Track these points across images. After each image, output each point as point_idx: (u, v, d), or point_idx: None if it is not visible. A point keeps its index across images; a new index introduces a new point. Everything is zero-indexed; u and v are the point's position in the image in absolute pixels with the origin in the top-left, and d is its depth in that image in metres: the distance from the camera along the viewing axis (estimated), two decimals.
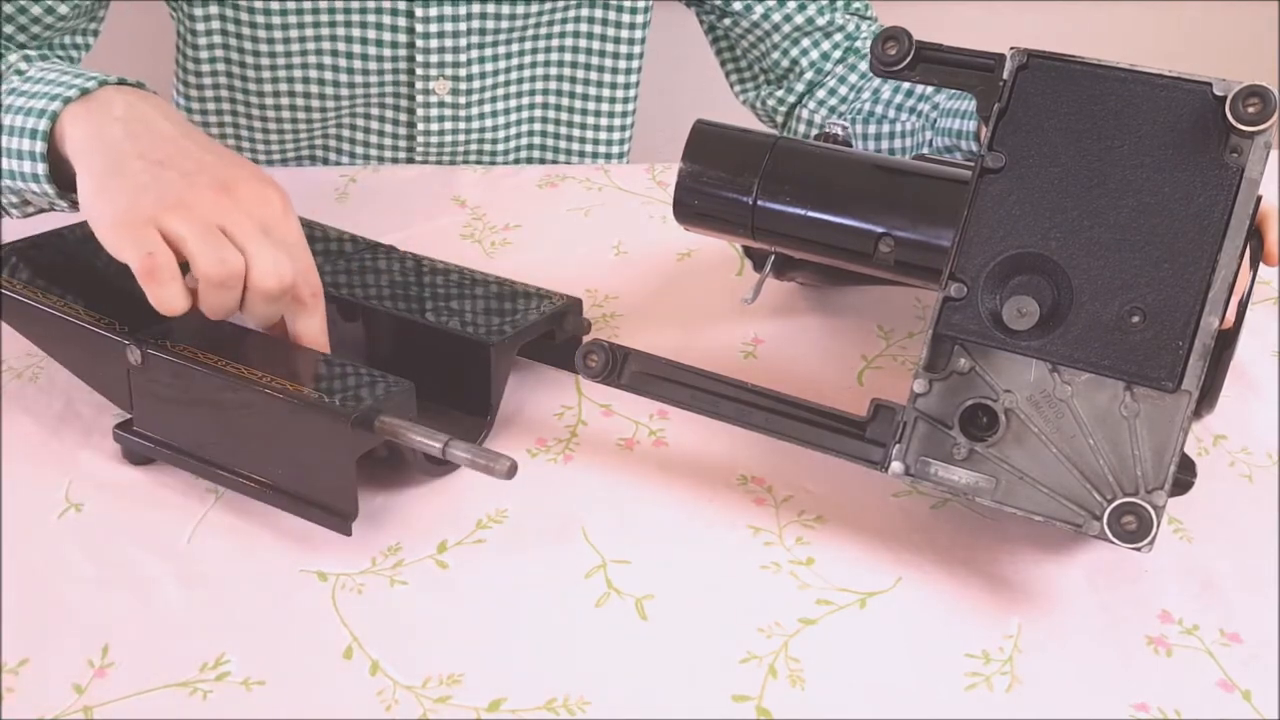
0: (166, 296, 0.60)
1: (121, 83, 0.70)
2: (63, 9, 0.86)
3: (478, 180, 0.97)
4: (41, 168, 0.68)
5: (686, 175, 0.67)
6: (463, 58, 1.01)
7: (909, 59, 0.59)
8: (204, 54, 1.00)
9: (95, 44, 0.93)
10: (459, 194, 0.94)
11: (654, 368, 0.63)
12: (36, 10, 0.85)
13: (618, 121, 1.09)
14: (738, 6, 1.03)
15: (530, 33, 1.03)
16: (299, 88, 1.01)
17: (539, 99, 1.07)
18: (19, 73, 0.72)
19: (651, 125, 1.26)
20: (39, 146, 0.67)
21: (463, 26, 0.99)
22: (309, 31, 0.98)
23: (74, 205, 0.68)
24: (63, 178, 0.68)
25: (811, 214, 0.64)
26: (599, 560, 0.60)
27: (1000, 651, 0.55)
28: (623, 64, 1.06)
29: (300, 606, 0.57)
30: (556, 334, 0.70)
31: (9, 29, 0.85)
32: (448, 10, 0.98)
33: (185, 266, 0.61)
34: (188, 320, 0.64)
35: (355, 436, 0.58)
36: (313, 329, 0.65)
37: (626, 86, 1.07)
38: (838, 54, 1.03)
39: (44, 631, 0.55)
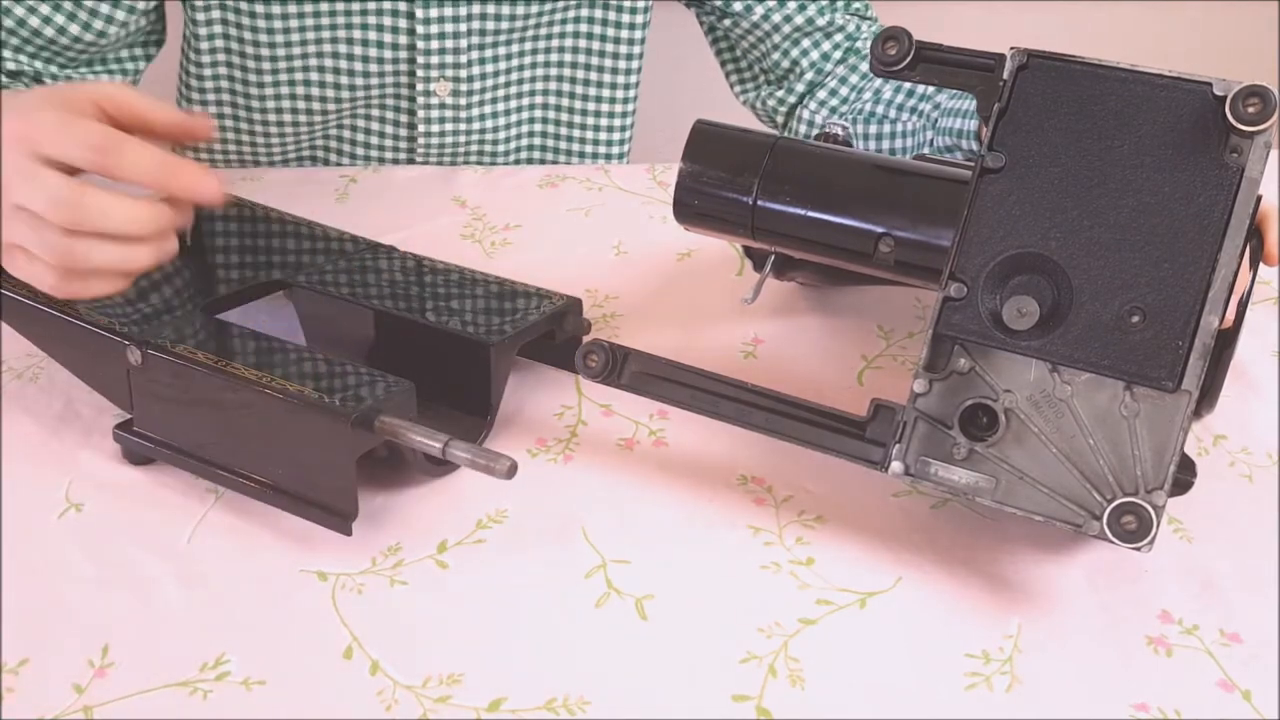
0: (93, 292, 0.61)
1: None
2: (74, 29, 0.87)
3: (478, 180, 0.97)
4: None
5: (686, 175, 0.67)
6: (463, 59, 1.01)
7: (909, 59, 0.59)
8: (205, 56, 1.00)
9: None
10: (459, 194, 0.94)
11: (654, 368, 0.63)
12: (44, 29, 0.86)
13: (618, 121, 1.09)
14: (738, 7, 1.03)
15: (530, 33, 1.03)
16: (300, 90, 1.01)
17: (539, 99, 1.07)
18: None
19: (651, 125, 1.26)
20: None
21: (463, 27, 0.99)
22: (309, 35, 0.98)
23: None
24: None
25: (811, 214, 0.64)
26: (599, 560, 0.60)
27: (1000, 651, 0.55)
28: (623, 64, 1.06)
29: (300, 606, 0.57)
30: (556, 334, 0.70)
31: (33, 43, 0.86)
32: (448, 11, 0.98)
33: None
34: (187, 320, 0.64)
35: (355, 436, 0.58)
36: (202, 191, 0.61)
37: (626, 87, 1.07)
38: (838, 54, 1.03)
39: (44, 631, 0.55)
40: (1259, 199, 0.59)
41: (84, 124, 0.60)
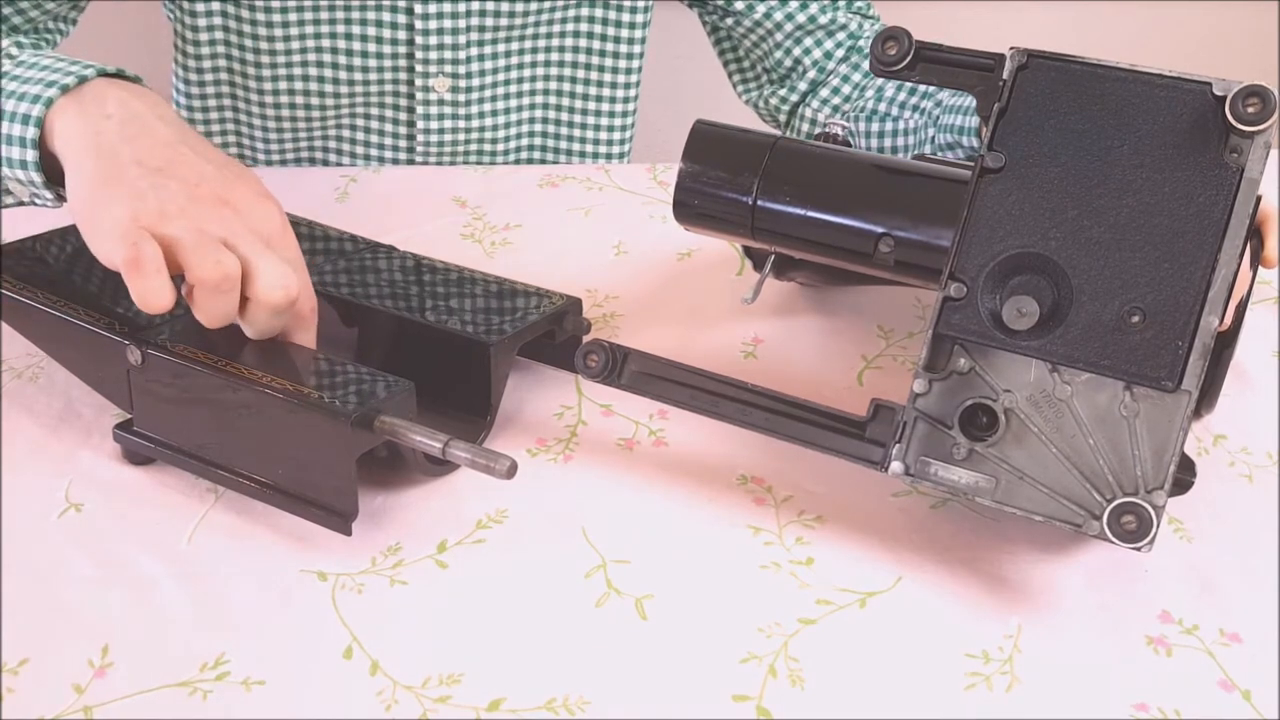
0: (151, 289, 0.58)
1: (120, 74, 0.68)
2: None
3: (478, 180, 0.97)
4: (31, 155, 0.66)
5: (686, 175, 0.67)
6: (462, 55, 1.01)
7: (909, 59, 0.59)
8: (205, 49, 1.00)
9: (91, 44, 0.93)
10: (459, 194, 0.94)
11: (654, 368, 0.63)
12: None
13: (618, 121, 1.09)
14: (739, 6, 1.03)
15: (530, 31, 1.03)
16: (298, 86, 1.01)
17: (539, 98, 1.08)
18: (10, 56, 0.70)
19: (652, 125, 1.26)
20: (30, 133, 0.65)
21: (462, 24, 1.00)
22: (309, 30, 0.98)
23: (58, 199, 0.67)
24: (48, 169, 0.67)
25: (811, 214, 0.64)
26: (599, 560, 0.60)
27: (1000, 651, 0.55)
28: (623, 63, 1.06)
29: (300, 606, 0.57)
30: (556, 334, 0.70)
31: (7, 9, 0.85)
32: (447, 7, 0.98)
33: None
34: (188, 320, 0.64)
35: (355, 436, 0.58)
36: (308, 344, 0.65)
37: (627, 86, 1.07)
38: (840, 53, 1.03)
39: (44, 631, 0.55)
40: (1259, 199, 0.59)
41: (289, 273, 0.61)
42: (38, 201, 0.69)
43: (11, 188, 0.69)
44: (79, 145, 0.64)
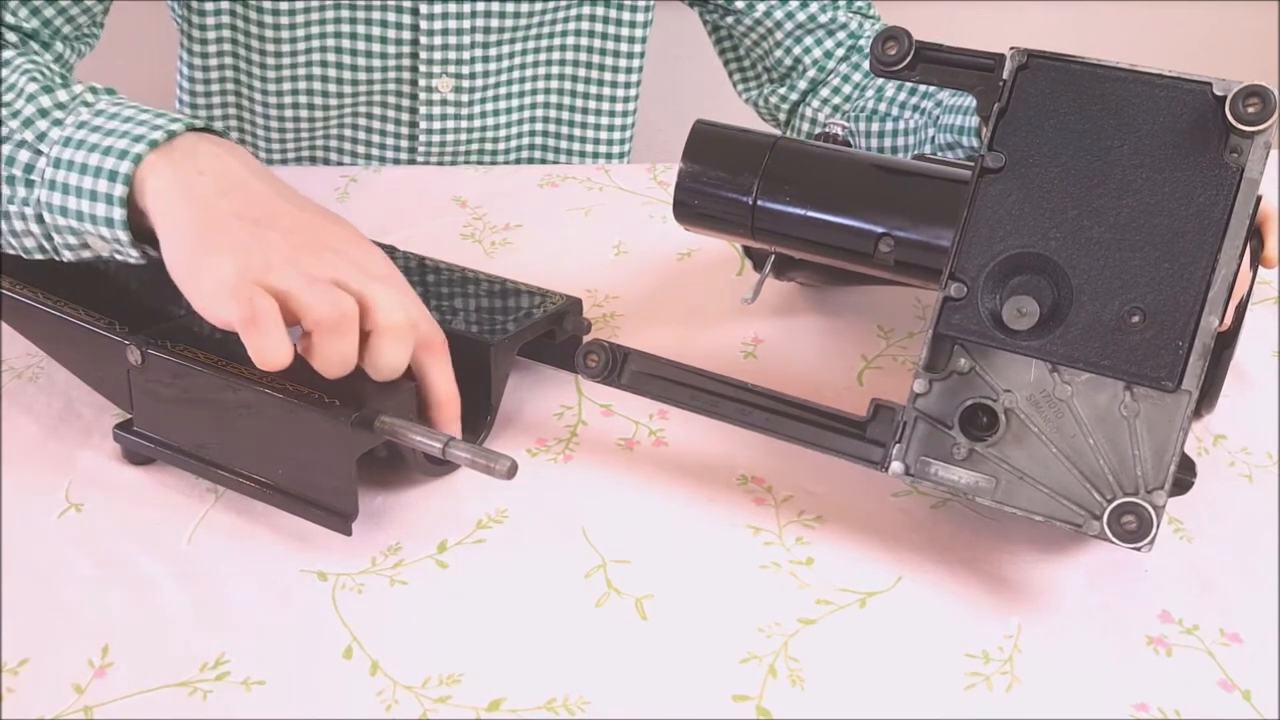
0: (269, 346, 0.56)
1: (207, 128, 0.66)
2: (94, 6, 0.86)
3: (478, 180, 0.97)
4: (119, 213, 0.62)
5: (686, 175, 0.67)
6: (466, 55, 1.01)
7: (909, 59, 0.59)
8: (211, 47, 1.00)
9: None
10: (459, 194, 0.94)
11: (654, 368, 0.63)
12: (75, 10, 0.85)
13: (619, 121, 1.09)
14: (740, 4, 1.03)
15: (534, 31, 1.03)
16: (302, 85, 1.01)
17: (541, 98, 1.08)
18: (86, 104, 0.66)
19: (652, 125, 1.26)
20: (119, 190, 0.62)
21: (467, 24, 1.00)
22: (314, 30, 0.98)
23: (143, 256, 0.64)
24: (134, 225, 0.63)
25: (811, 214, 0.64)
26: (599, 560, 0.60)
27: (1000, 651, 0.55)
28: (624, 63, 1.06)
29: (300, 606, 0.57)
30: (556, 334, 0.70)
31: (59, 20, 0.84)
32: (452, 8, 0.98)
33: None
34: (188, 320, 0.64)
35: (355, 436, 0.58)
36: (447, 376, 0.62)
37: (628, 86, 1.07)
38: (840, 52, 1.03)
39: (44, 631, 0.55)
40: (1259, 199, 0.59)
41: (406, 298, 0.60)
42: (119, 256, 0.66)
43: (91, 243, 0.66)
44: (173, 201, 0.62)
